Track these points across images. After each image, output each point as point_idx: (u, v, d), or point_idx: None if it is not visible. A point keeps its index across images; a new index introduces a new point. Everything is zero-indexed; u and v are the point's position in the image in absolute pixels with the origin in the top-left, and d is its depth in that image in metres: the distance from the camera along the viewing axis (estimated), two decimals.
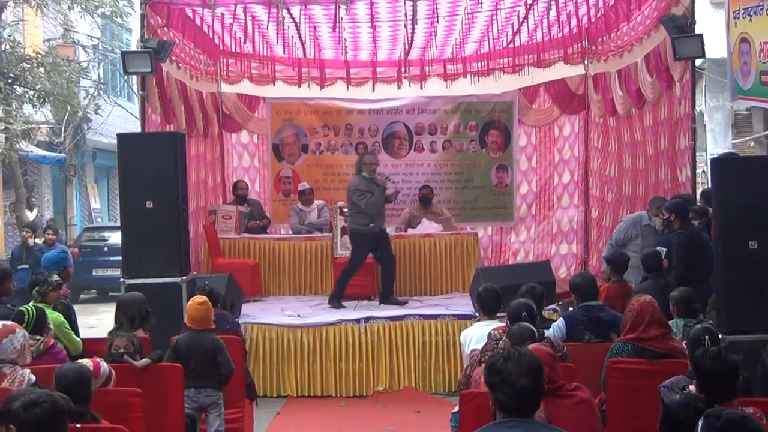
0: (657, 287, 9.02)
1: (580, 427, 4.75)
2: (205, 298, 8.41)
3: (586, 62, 15.68)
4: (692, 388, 5.52)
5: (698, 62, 13.70)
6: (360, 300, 13.58)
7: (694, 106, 11.50)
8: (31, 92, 22.78)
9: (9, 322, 6.90)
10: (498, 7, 13.32)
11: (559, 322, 8.59)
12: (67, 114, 25.67)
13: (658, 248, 10.17)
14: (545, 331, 8.05)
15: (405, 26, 13.76)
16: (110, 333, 8.75)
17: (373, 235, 13.33)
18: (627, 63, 13.49)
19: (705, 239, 9.98)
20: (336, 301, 13.24)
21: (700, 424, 4.10)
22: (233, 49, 16.01)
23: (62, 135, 27.12)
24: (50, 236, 17.38)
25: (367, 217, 13.24)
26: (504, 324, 7.78)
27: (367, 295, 13.87)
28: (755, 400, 5.89)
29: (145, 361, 7.59)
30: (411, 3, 12.34)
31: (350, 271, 13.51)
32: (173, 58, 12.78)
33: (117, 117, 27.59)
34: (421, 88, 16.68)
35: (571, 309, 9.20)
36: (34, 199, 25.99)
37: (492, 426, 4.39)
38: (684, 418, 4.57)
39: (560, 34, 15.15)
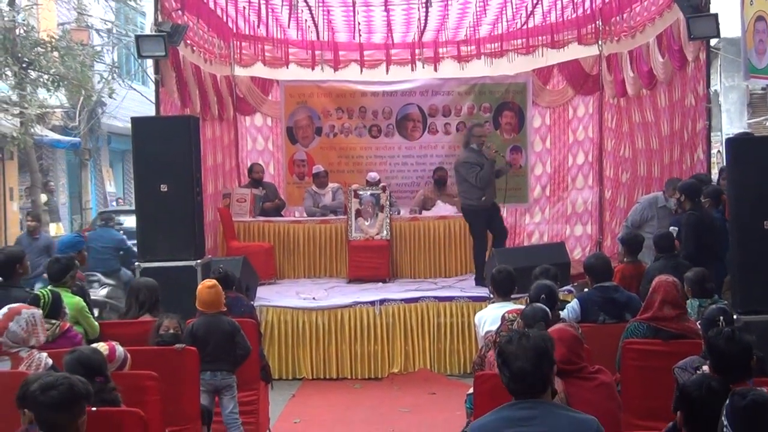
0: (668, 267, 9.00)
1: (598, 410, 4.77)
2: (214, 281, 8.41)
3: (600, 42, 15.61)
4: (706, 368, 5.52)
5: (713, 42, 13.64)
6: (375, 282, 13.64)
7: (708, 85, 11.46)
8: (46, 76, 22.83)
9: (15, 305, 6.91)
10: None
11: (574, 304, 8.59)
12: (82, 98, 25.75)
13: (670, 228, 10.16)
14: (560, 312, 8.07)
15: (419, 9, 13.73)
16: (121, 316, 8.81)
17: (486, 209, 13.22)
18: (639, 43, 13.45)
19: (716, 220, 9.95)
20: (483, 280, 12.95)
21: (726, 402, 4.11)
22: (247, 32, 16.00)
23: (77, 119, 27.18)
24: (30, 223, 15.90)
25: (478, 190, 13.05)
26: (518, 306, 7.80)
27: (381, 278, 13.89)
28: None
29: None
30: None
31: (480, 249, 13.39)
32: (187, 41, 12.79)
33: (131, 101, 27.64)
34: (435, 70, 16.64)
35: (585, 290, 9.21)
36: (51, 183, 26.07)
37: (505, 407, 4.42)
38: (698, 397, 4.57)
39: (574, 15, 15.10)
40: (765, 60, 11.48)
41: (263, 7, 13.81)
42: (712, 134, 11.90)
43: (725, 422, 4.03)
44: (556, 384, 5.25)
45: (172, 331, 7.75)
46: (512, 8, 14.45)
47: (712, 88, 13.71)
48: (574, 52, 15.96)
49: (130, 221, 21.01)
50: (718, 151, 21.15)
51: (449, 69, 16.72)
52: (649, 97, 13.59)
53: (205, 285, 8.33)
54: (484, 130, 13.89)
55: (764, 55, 11.45)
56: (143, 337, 7.86)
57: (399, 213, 15.27)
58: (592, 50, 15.85)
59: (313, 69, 16.39)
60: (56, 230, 24.34)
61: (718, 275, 9.21)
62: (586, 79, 16.30)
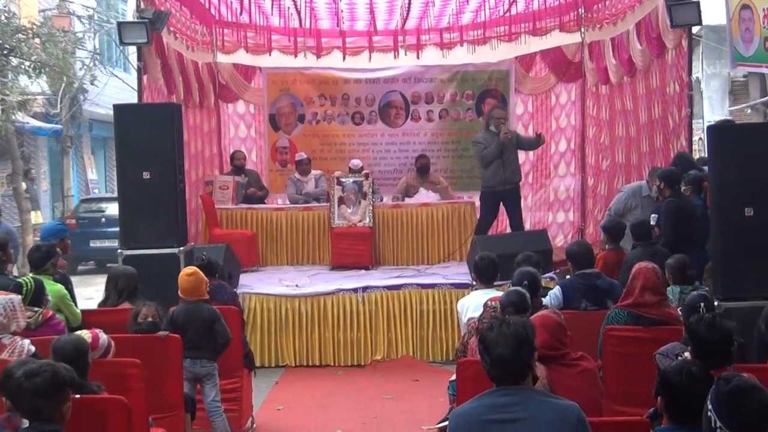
0: (645, 255, 9.03)
1: (581, 397, 4.80)
2: (194, 269, 8.41)
3: (582, 30, 15.63)
4: (687, 354, 5.56)
5: (695, 29, 13.67)
6: (358, 269, 13.65)
7: (690, 73, 11.50)
8: (27, 63, 22.69)
9: None
10: None
11: (556, 290, 8.65)
12: (63, 85, 25.61)
13: (651, 216, 10.17)
14: (543, 299, 8.11)
15: None
16: (100, 305, 8.81)
17: (492, 191, 13.23)
18: (621, 31, 13.49)
19: (695, 207, 9.97)
20: None
21: (711, 388, 4.16)
22: (229, 19, 15.95)
23: (58, 106, 27.05)
24: None
25: (482, 170, 13.25)
26: (500, 293, 7.83)
27: (364, 265, 13.89)
28: (750, 366, 5.93)
29: None
30: None
31: (477, 231, 13.43)
32: (170, 28, 12.74)
33: (113, 88, 27.52)
34: (418, 57, 16.62)
35: (567, 277, 9.24)
36: (32, 171, 25.93)
37: (486, 395, 4.45)
38: (678, 383, 4.60)
39: (556, 2, 15.11)
40: (752, 48, 11.50)
41: None
42: (693, 122, 11.94)
43: (710, 407, 4.06)
44: (538, 370, 5.28)
45: (150, 319, 7.74)
46: None
47: (694, 76, 13.75)
48: (557, 39, 15.98)
49: (112, 209, 21.06)
50: (700, 139, 21.22)
51: (432, 56, 16.72)
52: (629, 84, 13.65)
53: (185, 272, 8.33)
54: (503, 113, 13.96)
55: (751, 44, 11.48)
56: (123, 324, 7.86)
57: (382, 200, 15.27)
58: (575, 38, 15.88)
59: (295, 56, 16.37)
60: (35, 218, 24.27)
61: (698, 262, 9.25)
62: (568, 67, 16.33)
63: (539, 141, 13.77)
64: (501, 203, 13.67)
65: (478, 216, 14.81)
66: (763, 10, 11.28)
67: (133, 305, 8.28)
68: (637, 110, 13.27)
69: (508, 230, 14.52)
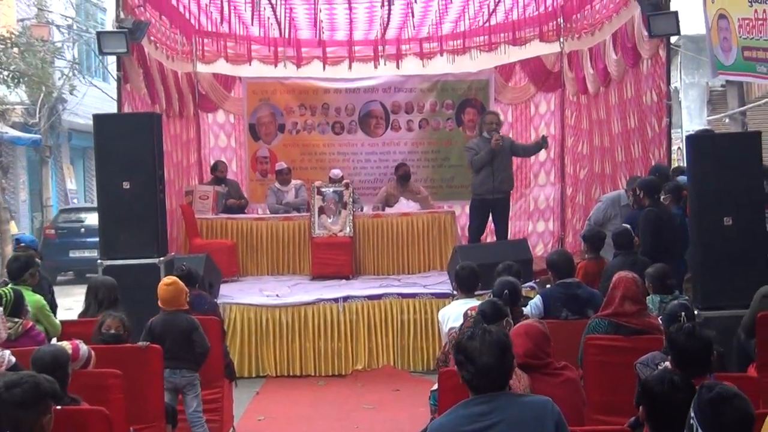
0: (626, 264, 9.03)
1: (564, 406, 4.82)
2: (173, 278, 8.39)
3: (561, 40, 15.69)
4: (667, 364, 5.58)
5: (673, 39, 13.73)
6: (338, 279, 13.64)
7: (669, 82, 11.55)
8: (6, 73, 22.64)
9: None
10: None
11: (537, 300, 8.66)
12: (42, 94, 25.54)
13: (624, 225, 10.18)
14: (523, 309, 8.12)
15: (381, 6, 13.74)
16: (80, 315, 8.78)
17: (481, 199, 13.27)
18: (598, 41, 13.55)
19: (674, 217, 9.98)
20: None
21: (695, 396, 4.18)
22: (209, 29, 15.93)
23: (37, 116, 26.95)
24: None
25: (474, 176, 13.31)
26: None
27: (344, 275, 13.88)
28: (729, 375, 5.96)
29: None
30: None
31: (469, 240, 13.44)
32: (151, 38, 12.73)
33: (92, 97, 27.45)
34: (398, 67, 16.64)
35: (548, 286, 9.26)
36: (3, 181, 25.77)
37: (460, 406, 4.48)
38: (660, 392, 4.62)
39: (536, 12, 15.17)
40: (731, 57, 11.58)
41: (226, 4, 13.78)
42: (672, 131, 11.99)
43: (692, 415, 4.08)
44: (522, 379, 5.31)
45: (113, 330, 7.66)
46: (474, 6, 14.48)
47: (673, 85, 13.82)
48: (536, 49, 16.03)
49: (92, 219, 20.98)
50: (679, 148, 21.29)
51: (412, 66, 16.74)
52: (603, 94, 13.73)
53: (165, 282, 8.31)
54: (495, 118, 13.97)
55: (730, 52, 11.55)
56: None
57: (362, 210, 15.26)
58: (554, 47, 15.93)
59: (275, 66, 16.37)
60: (12, 228, 24.19)
61: (678, 271, 9.27)
62: (547, 76, 16.38)
63: (542, 144, 13.82)
64: (490, 212, 13.70)
65: (458, 226, 14.87)
66: (738, 20, 11.36)
67: None
68: (611, 120, 13.34)
69: (489, 239, 14.54)
